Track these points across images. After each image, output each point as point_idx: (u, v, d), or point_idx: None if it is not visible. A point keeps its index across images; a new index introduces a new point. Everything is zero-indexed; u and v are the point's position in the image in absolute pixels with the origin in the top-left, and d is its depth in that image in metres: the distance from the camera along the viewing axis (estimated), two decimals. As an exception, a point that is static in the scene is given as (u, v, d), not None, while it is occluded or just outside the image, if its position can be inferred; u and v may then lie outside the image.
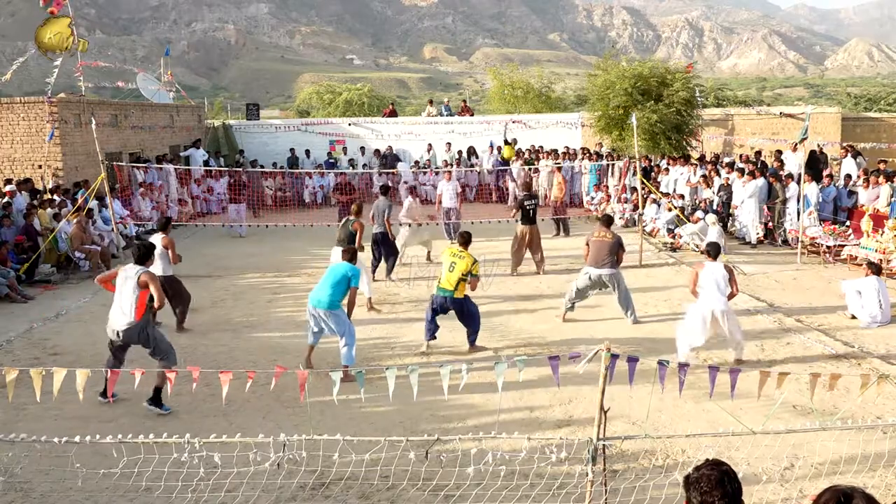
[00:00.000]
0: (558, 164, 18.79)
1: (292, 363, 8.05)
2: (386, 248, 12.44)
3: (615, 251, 9.76)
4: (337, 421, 6.56)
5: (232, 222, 17.40)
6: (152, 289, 7.04)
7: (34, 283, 12.55)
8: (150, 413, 6.93)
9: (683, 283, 11.98)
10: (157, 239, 9.63)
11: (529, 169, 20.31)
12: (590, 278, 9.78)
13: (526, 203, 12.81)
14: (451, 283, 8.39)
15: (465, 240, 8.86)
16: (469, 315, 8.64)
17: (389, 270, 12.51)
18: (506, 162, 21.85)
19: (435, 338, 8.72)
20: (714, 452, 5.91)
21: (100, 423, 6.67)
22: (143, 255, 7.41)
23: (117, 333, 7.09)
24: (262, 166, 22.84)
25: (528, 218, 12.69)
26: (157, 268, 9.49)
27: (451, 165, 22.52)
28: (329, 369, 5.77)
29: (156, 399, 7.01)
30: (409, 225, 13.61)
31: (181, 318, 9.93)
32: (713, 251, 8.31)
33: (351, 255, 8.43)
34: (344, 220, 11.21)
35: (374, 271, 12.35)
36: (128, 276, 7.11)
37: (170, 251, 9.68)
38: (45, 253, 13.29)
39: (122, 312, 7.05)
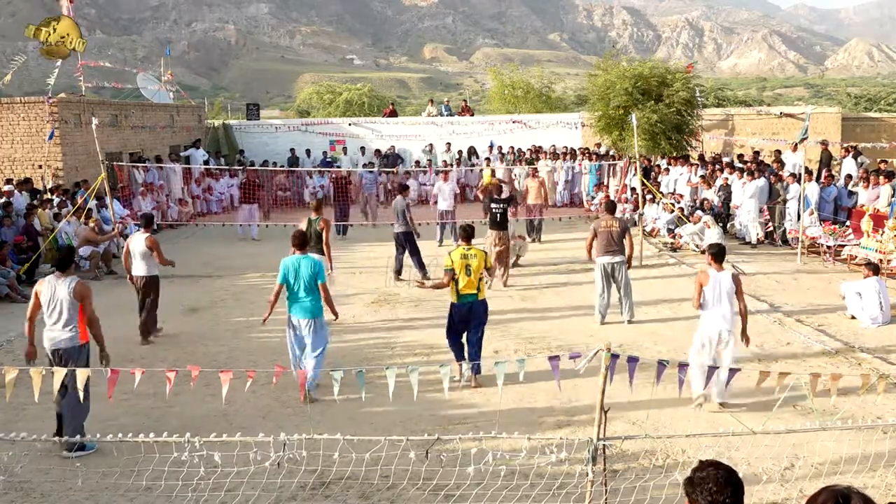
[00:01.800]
0: (534, 167, 18.59)
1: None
2: (410, 248, 12.37)
3: (623, 238, 9.84)
4: (337, 420, 6.55)
5: (247, 222, 17.28)
6: (86, 305, 6.25)
7: (34, 283, 12.51)
8: (77, 458, 5.98)
9: (683, 284, 11.99)
10: (140, 238, 9.19)
11: (533, 169, 20.26)
12: (604, 270, 9.78)
13: (493, 206, 11.97)
14: (473, 286, 7.58)
15: (469, 233, 7.98)
16: (480, 332, 7.76)
17: (423, 272, 12.25)
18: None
19: (465, 357, 7.75)
20: (714, 452, 5.90)
21: (100, 423, 6.66)
22: (64, 260, 6.45)
23: (57, 354, 6.24)
24: (274, 164, 22.85)
25: (496, 222, 11.89)
26: (141, 268, 9.19)
27: (451, 165, 22.55)
28: (329, 369, 5.78)
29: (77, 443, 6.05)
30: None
31: (147, 325, 9.26)
32: (718, 254, 7.14)
33: (301, 241, 7.76)
34: (307, 219, 10.29)
35: (398, 271, 12.43)
36: (58, 286, 6.31)
37: (155, 252, 9.15)
38: (45, 253, 13.29)
39: (59, 328, 6.25)
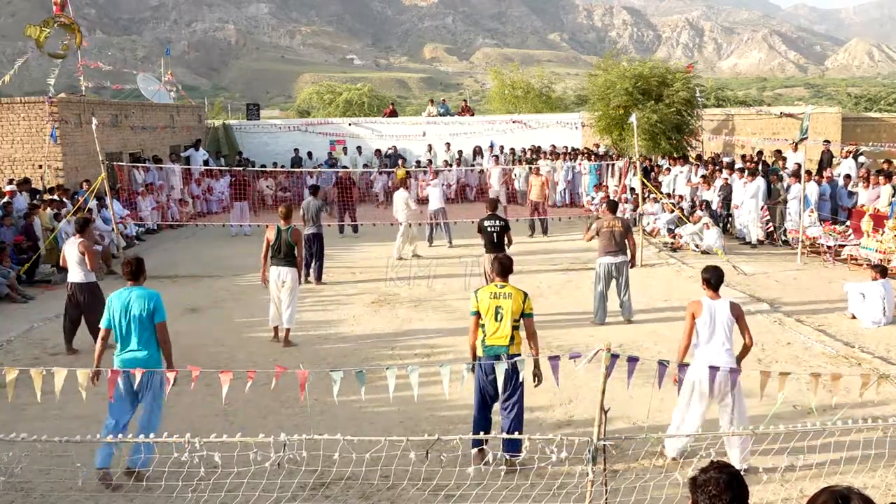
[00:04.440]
0: (536, 166, 18.60)
1: (292, 363, 8.05)
2: (318, 250, 12.38)
3: (625, 237, 9.81)
4: (337, 421, 6.56)
5: (239, 222, 17.39)
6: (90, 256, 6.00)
7: (34, 283, 12.55)
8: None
9: (683, 284, 11.99)
10: (73, 243, 8.74)
11: (530, 169, 20.28)
12: (606, 271, 9.76)
13: (487, 224, 10.24)
14: (504, 335, 5.78)
15: (506, 268, 6.08)
16: (518, 398, 5.81)
17: (319, 275, 12.44)
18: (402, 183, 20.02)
19: (484, 444, 5.62)
20: (714, 453, 5.91)
21: (100, 423, 6.66)
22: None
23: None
24: (263, 165, 22.88)
25: (492, 243, 10.20)
26: (77, 275, 8.75)
27: (451, 165, 22.56)
28: (329, 369, 5.78)
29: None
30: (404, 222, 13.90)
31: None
32: (712, 281, 5.90)
33: (133, 269, 5.93)
34: (276, 228, 9.21)
35: (307, 275, 12.29)
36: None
37: (86, 256, 8.64)
38: (46, 253, 13.29)
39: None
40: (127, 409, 5.71)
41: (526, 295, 5.94)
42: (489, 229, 10.21)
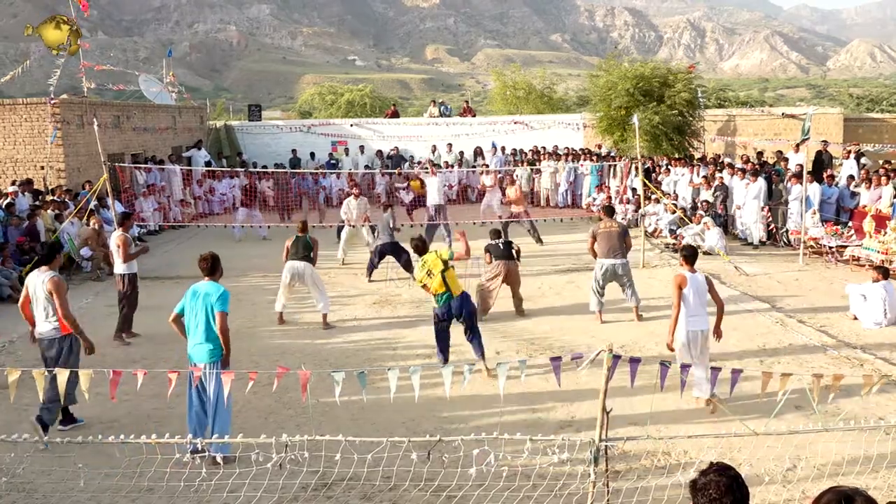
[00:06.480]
0: (511, 169, 18.41)
1: (294, 364, 8.06)
2: (396, 254, 12.59)
3: (623, 239, 9.87)
4: (339, 421, 6.56)
5: (241, 223, 17.32)
6: (56, 299, 6.42)
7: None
8: (64, 430, 6.52)
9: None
10: (114, 236, 9.80)
11: (532, 170, 20.29)
12: (605, 271, 9.81)
13: (493, 244, 10.64)
14: (440, 286, 7.95)
15: (417, 248, 8.47)
16: (469, 315, 8.08)
17: (409, 269, 12.48)
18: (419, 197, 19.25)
19: (448, 359, 8.17)
20: (716, 453, 5.91)
21: (102, 424, 6.67)
22: (48, 254, 6.71)
23: (40, 338, 6.65)
24: (264, 166, 22.85)
25: (502, 252, 10.39)
26: (118, 266, 9.68)
27: (453, 166, 22.54)
28: (331, 370, 5.78)
29: (68, 418, 6.70)
30: (352, 225, 14.26)
31: (123, 324, 9.60)
32: (691, 256, 7.21)
33: (209, 265, 6.35)
34: (294, 237, 10.23)
35: (370, 276, 12.71)
36: (37, 282, 6.57)
37: (121, 249, 9.54)
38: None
39: (44, 318, 6.56)
40: (196, 400, 5.98)
41: (436, 252, 8.12)
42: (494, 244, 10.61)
